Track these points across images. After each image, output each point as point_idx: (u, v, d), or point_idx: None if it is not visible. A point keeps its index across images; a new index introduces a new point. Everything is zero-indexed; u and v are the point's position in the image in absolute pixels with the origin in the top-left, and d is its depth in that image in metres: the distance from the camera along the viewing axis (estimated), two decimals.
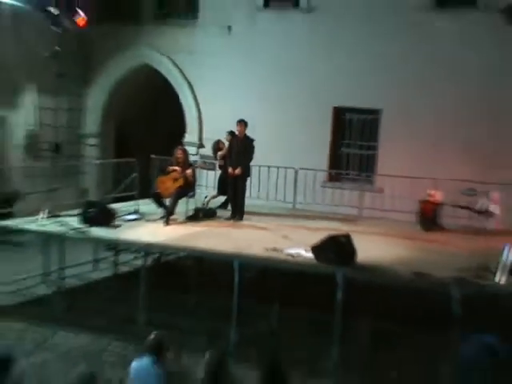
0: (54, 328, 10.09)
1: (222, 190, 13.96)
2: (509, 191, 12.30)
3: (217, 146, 14.27)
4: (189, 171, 12.16)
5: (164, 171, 12.43)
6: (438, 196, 13.11)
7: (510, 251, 9.00)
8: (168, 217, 12.02)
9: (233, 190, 12.97)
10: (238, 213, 12.82)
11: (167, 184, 12.18)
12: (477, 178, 9.99)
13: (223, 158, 13.60)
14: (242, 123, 12.60)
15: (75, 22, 11.85)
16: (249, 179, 13.08)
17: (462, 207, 12.95)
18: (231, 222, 12.64)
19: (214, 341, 9.81)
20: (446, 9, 14.81)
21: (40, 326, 10.16)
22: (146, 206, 13.16)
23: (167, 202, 12.33)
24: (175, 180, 12.13)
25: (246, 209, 13.05)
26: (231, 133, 13.31)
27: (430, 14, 14.85)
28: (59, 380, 8.25)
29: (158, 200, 12.32)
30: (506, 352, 9.26)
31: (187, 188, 12.33)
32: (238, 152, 12.62)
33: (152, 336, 6.66)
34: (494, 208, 11.87)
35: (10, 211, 12.84)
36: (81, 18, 11.74)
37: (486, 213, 10.93)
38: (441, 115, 14.47)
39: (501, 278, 8.87)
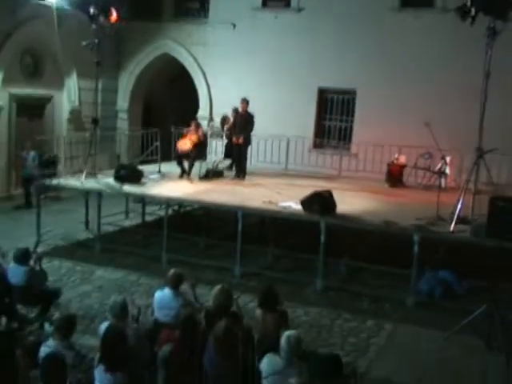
0: (94, 266, 10.05)
1: (227, 155, 13.88)
2: (456, 155, 12.26)
3: (224, 120, 14.18)
4: (200, 133, 12.37)
5: (183, 136, 12.61)
6: (402, 159, 13.06)
7: (461, 205, 8.94)
8: (188, 175, 12.17)
9: (237, 155, 12.89)
10: (242, 173, 12.73)
11: (184, 141, 12.32)
12: (433, 145, 9.88)
13: (229, 129, 13.46)
14: (245, 101, 12.47)
15: (109, 20, 11.67)
16: (249, 146, 12.97)
17: (422, 169, 12.86)
18: (236, 180, 12.54)
19: (222, 275, 9.82)
20: (411, 7, 14.57)
21: (83, 264, 10.12)
22: (167, 167, 13.05)
23: (186, 164, 12.30)
24: (190, 140, 12.21)
25: (247, 170, 12.93)
26: (235, 109, 13.18)
27: (397, 13, 14.61)
28: (98, 306, 8.25)
29: (180, 161, 12.33)
30: (462, 287, 9.27)
31: (199, 149, 12.33)
32: (240, 125, 12.49)
33: (171, 272, 6.59)
34: (448, 169, 11.77)
35: (54, 172, 12.77)
36: (113, 16, 11.54)
37: (441, 173, 10.81)
38: (405, 95, 14.31)
39: (452, 226, 8.82)
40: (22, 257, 7.17)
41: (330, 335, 7.75)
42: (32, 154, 13.83)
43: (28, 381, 4.64)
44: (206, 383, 4.99)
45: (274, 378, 4.93)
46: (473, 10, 8.67)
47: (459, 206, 8.93)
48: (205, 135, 12.88)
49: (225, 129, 13.96)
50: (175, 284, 6.44)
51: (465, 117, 12.37)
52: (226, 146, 13.96)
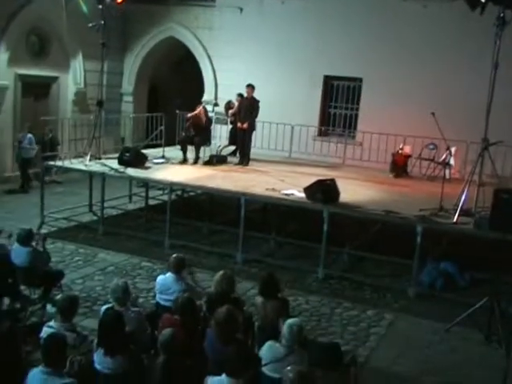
0: (97, 249, 10.08)
1: (232, 140, 13.84)
2: (463, 147, 12.23)
3: (228, 105, 14.12)
4: (204, 116, 12.45)
5: (188, 120, 12.58)
6: (407, 150, 13.02)
7: (465, 197, 8.93)
8: (196, 161, 12.18)
9: (241, 140, 12.87)
10: (245, 159, 12.71)
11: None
12: (439, 136, 9.84)
13: (233, 115, 13.41)
14: (250, 87, 12.42)
15: (115, 1, 11.63)
16: (254, 132, 12.94)
17: (427, 159, 12.87)
18: (239, 166, 12.53)
19: (224, 261, 9.86)
20: None
21: (86, 246, 10.15)
22: (171, 152, 13.04)
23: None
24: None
25: (251, 156, 12.91)
26: (240, 95, 13.14)
27: (405, 0, 14.41)
28: (100, 289, 8.29)
29: (183, 147, 12.34)
30: (464, 279, 9.29)
31: (204, 134, 12.37)
32: (246, 110, 12.46)
33: (173, 256, 6.61)
34: (452, 160, 11.75)
35: (55, 154, 12.80)
36: None
37: (445, 164, 10.80)
38: (411, 84, 14.23)
39: (455, 218, 8.81)
40: (26, 238, 7.20)
41: (330, 324, 7.78)
42: (28, 136, 13.69)
43: (30, 361, 4.67)
44: (206, 368, 5.02)
45: (274, 365, 4.95)
46: None
47: (463, 198, 8.91)
48: (209, 120, 12.84)
49: (229, 114, 13.90)
50: (177, 269, 6.46)
51: (471, 107, 12.32)
52: (231, 132, 13.92)
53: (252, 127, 12.61)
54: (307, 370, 4.47)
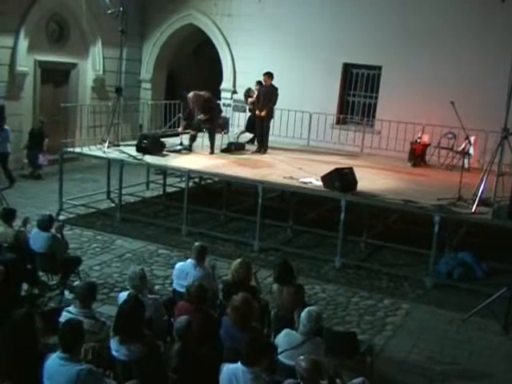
0: (114, 235, 10.13)
1: (250, 128, 13.80)
2: (482, 136, 12.10)
3: (247, 93, 14.07)
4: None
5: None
6: (425, 138, 12.91)
7: (484, 186, 8.85)
8: (211, 149, 12.04)
9: (259, 128, 12.84)
10: (263, 147, 12.70)
11: None
12: (457, 125, 9.75)
13: (252, 103, 13.38)
14: (267, 75, 12.37)
15: None
16: (272, 120, 12.91)
17: (445, 148, 12.76)
18: (257, 154, 12.51)
19: (240, 249, 9.87)
20: None
21: (103, 233, 10.21)
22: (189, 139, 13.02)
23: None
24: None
25: (269, 144, 12.89)
26: (259, 82, 13.08)
27: None
28: (117, 276, 8.35)
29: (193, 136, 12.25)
30: (482, 270, 9.22)
31: (211, 119, 12.10)
32: (264, 98, 12.42)
33: (196, 244, 6.65)
34: (471, 149, 11.64)
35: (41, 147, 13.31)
36: None
37: (464, 153, 10.70)
38: (430, 73, 14.08)
39: (474, 208, 8.74)
40: (47, 223, 7.26)
41: (347, 313, 7.77)
42: (5, 128, 12.82)
43: (47, 347, 4.72)
44: (222, 356, 5.04)
45: (291, 352, 4.96)
46: None
47: (482, 188, 8.84)
48: (216, 105, 12.65)
49: (248, 102, 13.87)
50: (198, 256, 6.50)
51: (491, 96, 12.20)
52: (249, 120, 13.89)
53: (270, 115, 12.58)
54: (319, 359, 4.47)
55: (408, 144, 13.07)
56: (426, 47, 14.21)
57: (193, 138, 12.18)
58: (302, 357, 4.39)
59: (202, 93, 12.03)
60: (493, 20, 12.65)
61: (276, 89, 12.34)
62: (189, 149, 12.06)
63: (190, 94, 12.04)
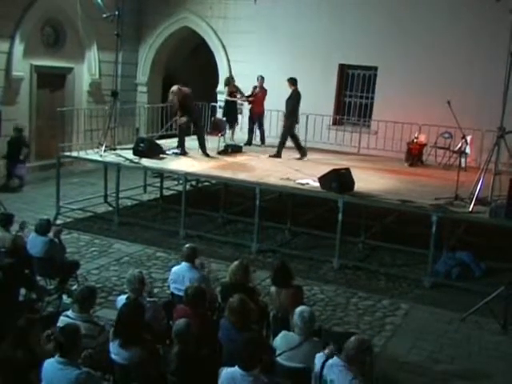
0: (112, 239, 10.12)
1: (225, 114, 14.04)
2: (478, 135, 12.10)
3: (228, 82, 14.18)
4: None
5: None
6: (422, 138, 12.93)
7: (481, 185, 8.86)
8: (203, 151, 12.01)
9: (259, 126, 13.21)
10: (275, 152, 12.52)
11: None
12: (454, 124, 9.77)
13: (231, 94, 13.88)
14: (288, 80, 12.37)
15: None
16: (269, 121, 12.94)
17: (442, 148, 12.78)
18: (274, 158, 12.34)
19: (239, 251, 9.86)
20: None
21: (101, 237, 10.20)
22: (186, 142, 12.98)
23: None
24: None
25: (266, 146, 12.91)
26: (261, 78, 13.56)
27: None
28: (116, 279, 8.33)
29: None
30: (480, 269, 9.23)
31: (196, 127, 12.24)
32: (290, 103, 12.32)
33: (186, 246, 6.64)
34: (468, 149, 11.65)
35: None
36: None
37: (461, 152, 10.71)
38: (426, 73, 14.09)
39: (471, 207, 8.75)
40: (44, 228, 7.25)
41: (346, 313, 7.76)
42: None
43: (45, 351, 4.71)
44: (221, 358, 5.03)
45: (289, 353, 4.96)
46: None
47: (479, 187, 8.85)
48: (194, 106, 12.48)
49: (226, 92, 14.06)
50: (189, 258, 6.49)
51: (487, 95, 12.22)
52: (226, 106, 14.11)
53: (291, 120, 12.46)
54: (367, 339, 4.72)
55: (405, 144, 13.09)
56: (421, 47, 14.23)
57: (181, 143, 12.12)
58: (352, 338, 4.54)
59: (184, 88, 12.03)
60: (488, 19, 12.67)
61: (297, 93, 12.32)
62: (185, 152, 12.07)
63: (174, 87, 12.06)
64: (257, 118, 13.99)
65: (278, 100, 12.68)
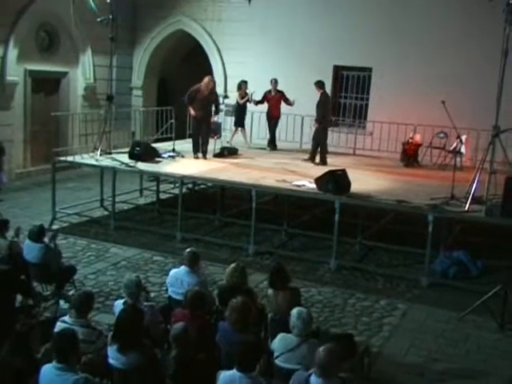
0: (109, 244, 10.10)
1: (237, 122, 14.11)
2: (473, 135, 12.20)
3: (240, 86, 14.09)
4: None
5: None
6: (417, 138, 12.95)
7: (476, 185, 8.89)
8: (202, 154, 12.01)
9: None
10: (322, 158, 12.27)
11: None
12: (449, 124, 9.81)
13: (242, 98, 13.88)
14: (316, 83, 12.37)
15: None
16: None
17: (437, 148, 12.81)
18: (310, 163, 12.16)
19: (235, 253, 9.87)
20: None
21: (97, 241, 10.18)
22: (181, 145, 13.04)
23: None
24: None
25: (261, 147, 12.88)
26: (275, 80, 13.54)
27: None
28: (113, 284, 8.32)
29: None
30: (476, 268, 9.25)
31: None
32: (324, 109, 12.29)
33: (187, 250, 6.64)
34: (463, 148, 11.68)
35: None
36: None
37: (456, 152, 10.74)
38: (420, 73, 14.14)
39: (467, 206, 8.77)
40: (38, 234, 7.24)
41: (343, 315, 7.76)
42: None
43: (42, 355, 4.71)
44: (219, 362, 5.04)
45: (287, 355, 4.97)
46: None
47: (474, 186, 8.87)
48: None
49: (238, 95, 14.01)
50: (191, 262, 6.49)
51: (481, 95, 12.25)
52: (236, 113, 14.11)
53: (323, 124, 12.35)
54: (336, 348, 4.51)
55: (400, 144, 13.12)
56: (415, 48, 14.29)
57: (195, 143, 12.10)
58: (321, 348, 4.42)
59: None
60: (481, 19, 12.72)
61: (325, 96, 12.33)
62: (180, 154, 12.08)
63: (209, 77, 12.13)
64: (273, 121, 13.95)
65: None
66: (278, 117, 13.97)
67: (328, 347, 4.42)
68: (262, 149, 13.90)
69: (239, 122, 14.13)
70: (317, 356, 4.35)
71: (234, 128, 14.37)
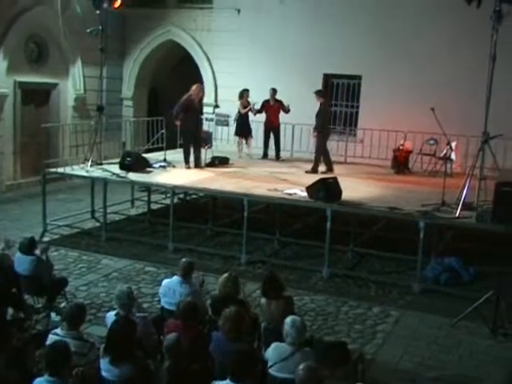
0: (100, 255, 10.07)
1: (238, 131, 14.06)
2: (463, 141, 12.26)
3: (241, 95, 14.01)
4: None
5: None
6: (408, 145, 13.02)
7: (467, 191, 8.93)
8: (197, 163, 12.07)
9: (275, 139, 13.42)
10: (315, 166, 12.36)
11: None
12: (439, 131, 9.88)
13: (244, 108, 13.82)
14: (316, 93, 12.46)
15: (112, 5, 11.62)
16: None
17: (427, 154, 12.88)
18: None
19: (228, 263, 9.86)
20: None
21: (89, 253, 10.15)
22: (172, 155, 13.04)
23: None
24: None
25: (253, 156, 12.98)
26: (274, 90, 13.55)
27: None
28: (104, 295, 8.29)
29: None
30: (468, 274, 9.28)
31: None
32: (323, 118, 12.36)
33: (182, 260, 6.63)
34: (453, 155, 11.75)
35: None
36: (117, 1, 11.54)
37: (446, 158, 10.80)
38: (410, 80, 14.23)
39: (458, 212, 8.81)
40: (28, 246, 7.20)
41: (337, 322, 7.77)
42: None
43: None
44: (213, 372, 5.02)
45: (281, 364, 4.96)
46: None
47: (465, 192, 8.92)
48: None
49: (240, 104, 13.93)
50: (185, 272, 6.48)
51: (470, 101, 12.34)
52: (238, 123, 14.04)
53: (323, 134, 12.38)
54: (316, 366, 4.49)
55: (391, 151, 13.18)
56: (404, 55, 14.38)
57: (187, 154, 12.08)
58: (301, 366, 4.40)
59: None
60: (469, 26, 12.80)
61: (326, 105, 12.37)
62: (171, 164, 12.08)
63: (198, 84, 12.23)
64: (271, 131, 13.89)
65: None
66: (278, 126, 13.90)
67: (308, 365, 4.42)
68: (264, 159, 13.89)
69: (242, 132, 14.02)
70: (296, 374, 4.35)
71: (237, 139, 14.25)
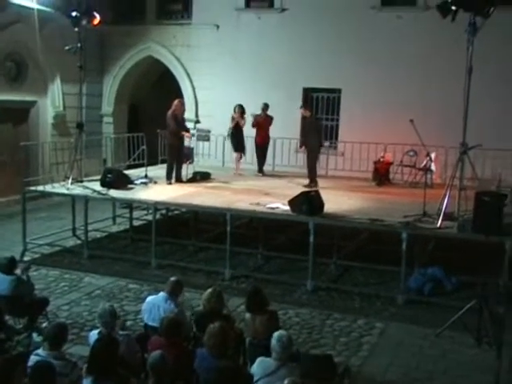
0: (82, 273, 9.96)
1: (237, 147, 13.75)
2: (442, 152, 12.39)
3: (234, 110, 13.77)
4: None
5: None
6: (388, 157, 13.12)
7: (447, 201, 8.99)
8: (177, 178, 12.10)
9: (261, 155, 13.52)
10: (312, 181, 12.28)
11: None
12: (418, 142, 9.96)
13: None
14: (303, 107, 12.80)
15: (91, 23, 11.59)
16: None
17: (408, 166, 12.96)
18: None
19: (211, 278, 9.80)
20: (392, 6, 14.73)
21: (71, 271, 10.04)
22: (154, 171, 13.00)
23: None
24: None
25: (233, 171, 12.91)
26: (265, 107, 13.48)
27: (379, 11, 14.74)
28: (87, 314, 8.19)
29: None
30: (451, 283, 9.32)
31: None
32: (309, 131, 12.42)
33: (171, 278, 6.60)
34: (433, 166, 11.85)
35: None
36: (96, 19, 11.51)
37: (426, 169, 10.88)
38: (389, 93, 14.37)
39: (439, 222, 8.86)
40: (8, 266, 7.10)
41: (322, 335, 7.74)
42: None
43: None
44: None
45: (266, 379, 4.93)
46: (453, 7, 8.73)
47: (445, 202, 8.98)
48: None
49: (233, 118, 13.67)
50: (172, 290, 6.43)
51: (448, 112, 12.52)
52: (232, 137, 13.78)
53: (317, 149, 12.41)
54: (301, 381, 4.47)
55: (371, 163, 13.25)
56: (383, 68, 14.55)
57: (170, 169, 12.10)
58: (286, 381, 4.40)
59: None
60: (445, 39, 12.98)
61: (318, 120, 12.48)
62: (152, 180, 12.04)
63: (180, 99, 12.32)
64: (261, 146, 13.77)
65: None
66: (268, 141, 13.78)
67: (292, 381, 4.43)
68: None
69: (238, 147, 13.76)
70: None
71: (234, 154, 13.91)
